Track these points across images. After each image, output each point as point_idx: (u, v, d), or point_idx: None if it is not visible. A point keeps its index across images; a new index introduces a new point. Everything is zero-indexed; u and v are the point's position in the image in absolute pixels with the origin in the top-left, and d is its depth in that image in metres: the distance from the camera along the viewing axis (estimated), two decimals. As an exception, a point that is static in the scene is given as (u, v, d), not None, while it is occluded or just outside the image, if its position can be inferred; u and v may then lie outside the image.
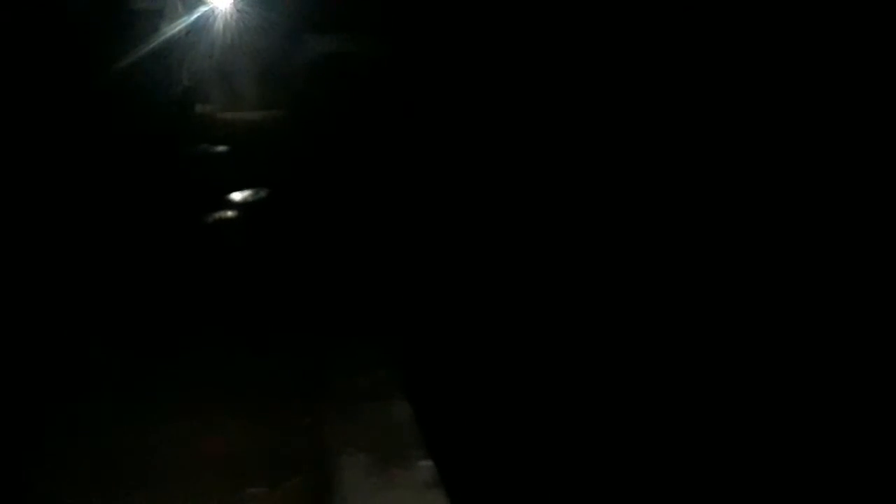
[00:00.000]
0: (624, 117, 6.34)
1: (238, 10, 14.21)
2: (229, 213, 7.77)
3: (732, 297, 4.48)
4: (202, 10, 13.76)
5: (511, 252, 5.60)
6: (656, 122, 6.13)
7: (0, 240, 5.60)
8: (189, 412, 3.68)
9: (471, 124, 8.35)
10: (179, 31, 12.69)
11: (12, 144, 6.63)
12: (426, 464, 2.95)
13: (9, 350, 4.24)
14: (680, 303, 4.57)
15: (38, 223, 6.16)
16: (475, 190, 6.89)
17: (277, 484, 3.14)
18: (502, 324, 4.65)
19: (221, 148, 11.06)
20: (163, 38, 11.65)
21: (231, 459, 3.31)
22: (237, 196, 8.34)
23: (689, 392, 3.83)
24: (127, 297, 5.20)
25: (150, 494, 3.09)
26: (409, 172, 7.90)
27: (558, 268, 5.28)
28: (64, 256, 5.77)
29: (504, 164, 7.13)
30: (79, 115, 7.98)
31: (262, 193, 8.39)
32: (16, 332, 4.46)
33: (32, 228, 6.04)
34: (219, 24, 14.20)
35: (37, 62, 7.55)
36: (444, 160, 7.79)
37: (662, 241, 5.11)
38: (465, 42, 9.28)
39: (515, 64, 8.06)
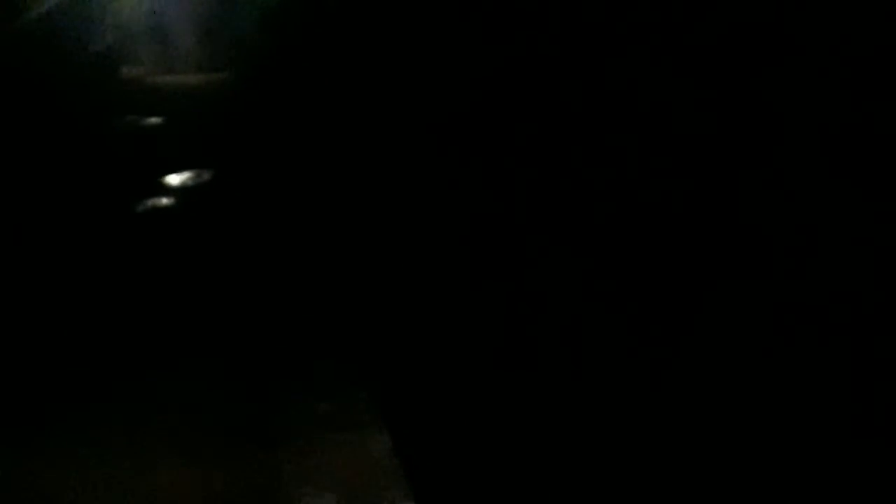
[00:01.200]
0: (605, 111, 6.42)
1: (173, -50, 14.19)
2: (164, 201, 7.78)
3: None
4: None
5: (499, 251, 5.65)
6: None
7: None
8: (125, 450, 3.71)
9: (452, 93, 8.38)
10: (100, -25, 12.67)
11: None
12: (408, 506, 2.99)
13: None
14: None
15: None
16: (452, 175, 6.93)
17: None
18: (494, 334, 4.69)
19: (154, 119, 11.06)
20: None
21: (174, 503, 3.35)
22: (174, 179, 8.35)
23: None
24: (41, 313, 5.21)
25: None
26: (385, 149, 7.92)
27: (547, 271, 5.34)
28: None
29: (480, 143, 7.17)
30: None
31: (206, 176, 8.40)
32: None
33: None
34: (150, -33, 14.17)
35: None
36: (423, 138, 7.82)
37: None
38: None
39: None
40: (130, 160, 9.00)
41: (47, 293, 5.49)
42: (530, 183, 6.42)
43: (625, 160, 6.25)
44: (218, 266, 5.93)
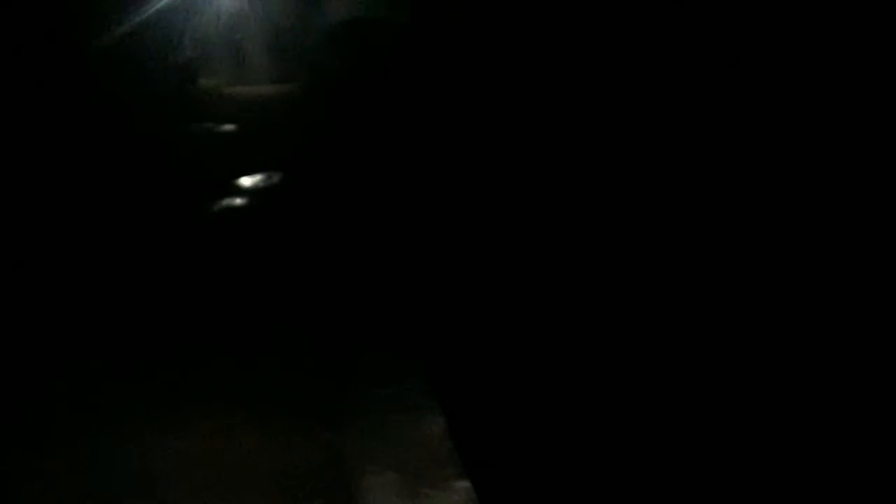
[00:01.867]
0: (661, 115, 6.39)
1: (248, -30, 14.32)
2: (238, 201, 7.85)
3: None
4: (207, -31, 13.89)
5: (543, 252, 5.64)
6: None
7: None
8: (199, 426, 3.75)
9: (499, 102, 8.38)
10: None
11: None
12: (462, 484, 2.99)
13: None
14: (695, 302, 4.64)
15: (27, 216, 6.28)
16: (507, 179, 6.93)
17: (294, 505, 3.20)
18: (541, 328, 4.69)
19: (229, 126, 11.15)
20: (162, 2, 11.78)
21: (245, 477, 3.38)
22: (247, 181, 8.42)
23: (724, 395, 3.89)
24: (129, 299, 5.30)
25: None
26: (438, 155, 7.94)
27: (596, 275, 5.32)
28: (58, 252, 5.89)
29: (534, 149, 7.16)
30: (67, 90, 8.10)
31: (275, 178, 8.46)
32: (12, 334, 4.60)
33: (20, 223, 6.16)
34: (225, -13, 14.32)
35: (14, 30, 7.67)
36: (476, 143, 7.83)
37: (675, 241, 5.19)
38: (494, 8, 9.31)
39: (546, 40, 8.08)
40: (207, 162, 9.11)
41: (133, 277, 5.60)
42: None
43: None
44: (287, 262, 5.98)
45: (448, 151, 7.91)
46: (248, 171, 8.61)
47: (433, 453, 3.22)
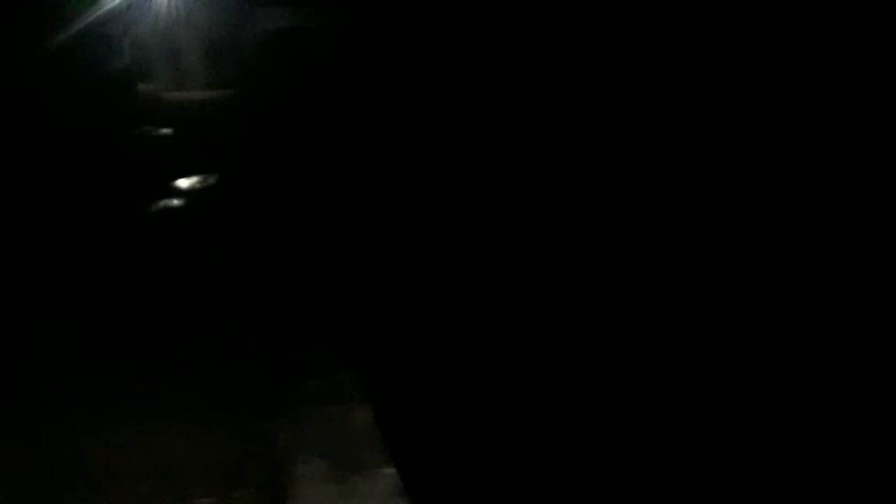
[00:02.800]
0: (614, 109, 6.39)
1: (184, -19, 14.09)
2: (175, 202, 7.70)
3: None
4: (145, -20, 13.63)
5: (475, 244, 5.62)
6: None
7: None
8: (133, 418, 3.66)
9: (433, 104, 8.35)
10: (120, 3, 12.55)
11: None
12: (389, 471, 2.95)
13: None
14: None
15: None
16: (436, 175, 6.90)
17: (228, 494, 3.12)
18: (466, 320, 4.67)
19: (166, 130, 10.96)
20: (102, 10, 11.52)
21: (178, 467, 3.30)
22: (183, 183, 8.27)
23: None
24: (63, 297, 5.15)
25: (93, 502, 3.08)
26: (367, 157, 7.89)
27: (534, 262, 5.31)
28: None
29: (464, 150, 7.14)
30: (6, 91, 7.87)
31: (211, 180, 8.33)
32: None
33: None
34: (163, -4, 14.07)
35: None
36: (406, 144, 7.79)
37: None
38: (423, 14, 9.28)
39: (478, 39, 8.07)
40: (144, 164, 8.93)
41: (68, 277, 5.45)
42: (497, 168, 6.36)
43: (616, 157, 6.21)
44: (220, 260, 5.88)
45: (380, 150, 7.85)
46: (185, 173, 8.46)
47: (361, 442, 3.17)
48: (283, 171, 8.13)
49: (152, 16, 14.20)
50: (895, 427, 3.55)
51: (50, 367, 4.19)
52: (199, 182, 8.30)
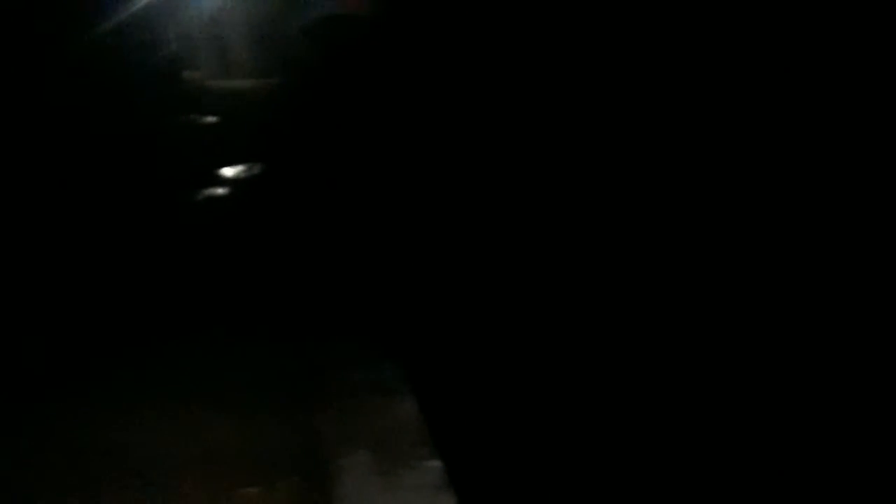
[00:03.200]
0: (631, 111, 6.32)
1: (229, -30, 14.16)
2: (220, 191, 7.74)
3: (733, 296, 4.48)
4: (191, -32, 13.72)
5: (518, 243, 5.57)
6: (656, 122, 6.13)
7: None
8: (176, 408, 3.67)
9: (478, 97, 8.29)
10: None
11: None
12: (434, 464, 2.93)
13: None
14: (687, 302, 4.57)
15: (19, 212, 6.13)
16: (481, 172, 6.84)
17: (272, 484, 3.12)
18: (510, 315, 4.62)
19: (211, 118, 11.02)
20: (148, -1, 11.59)
21: (221, 458, 3.29)
22: (228, 171, 8.30)
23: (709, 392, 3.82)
24: (110, 284, 5.18)
25: (137, 494, 3.08)
26: (412, 150, 7.85)
27: (565, 261, 5.26)
28: (47, 242, 5.75)
29: (508, 149, 7.08)
30: (55, 81, 7.94)
31: (256, 169, 8.35)
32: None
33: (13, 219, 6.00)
34: (209, -15, 14.15)
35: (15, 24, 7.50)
36: (449, 138, 7.74)
37: (664, 240, 5.12)
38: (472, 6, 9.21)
39: (520, 41, 8.00)
40: (191, 153, 8.98)
41: (116, 264, 5.48)
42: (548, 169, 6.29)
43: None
44: (266, 249, 5.89)
45: (419, 143, 7.81)
46: (230, 162, 8.49)
47: (406, 434, 3.14)
48: (327, 160, 8.12)
49: (197, 5, 14.28)
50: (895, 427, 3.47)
51: (91, 352, 4.21)
52: (243, 170, 8.32)
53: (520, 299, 4.78)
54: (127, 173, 7.59)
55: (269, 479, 3.14)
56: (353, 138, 8.63)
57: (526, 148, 6.80)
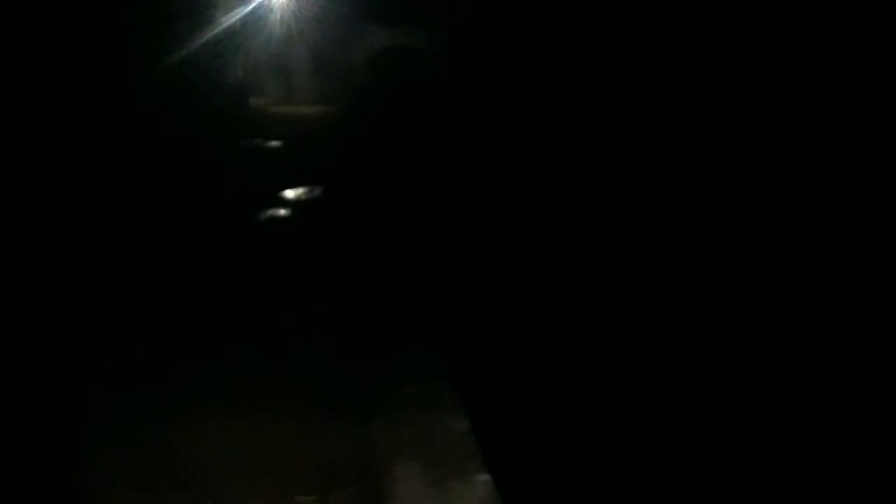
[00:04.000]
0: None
1: (296, 1, 14.40)
2: (282, 212, 7.87)
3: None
4: (259, 0, 13.97)
5: (571, 259, 5.59)
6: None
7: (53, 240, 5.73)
8: (237, 415, 3.75)
9: (532, 122, 8.34)
10: (234, 22, 12.88)
11: (64, 139, 6.79)
12: (483, 477, 2.97)
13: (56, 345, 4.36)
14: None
15: (95, 221, 6.31)
16: (538, 193, 6.88)
17: (328, 493, 3.18)
18: (561, 334, 4.65)
19: (275, 143, 11.19)
20: (218, 28, 11.84)
21: (279, 466, 3.37)
22: (290, 194, 8.44)
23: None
24: (177, 295, 5.31)
25: (198, 497, 3.16)
26: (471, 173, 7.92)
27: (628, 277, 5.26)
28: (115, 250, 5.91)
29: (563, 167, 7.11)
30: (130, 108, 8.16)
31: (317, 192, 8.47)
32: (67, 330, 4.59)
33: (91, 228, 6.18)
34: (276, 15, 14.41)
35: (90, 53, 7.74)
36: (507, 159, 7.80)
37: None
38: (527, 36, 9.29)
39: (575, 66, 8.04)
40: (255, 175, 9.14)
41: (181, 276, 5.62)
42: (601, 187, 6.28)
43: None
44: (325, 264, 5.98)
45: (477, 168, 7.88)
46: (292, 184, 8.63)
47: (457, 448, 3.20)
48: (386, 185, 8.22)
49: (265, 34, 14.54)
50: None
51: (164, 356, 4.32)
52: (305, 193, 8.46)
53: (570, 316, 4.79)
54: (197, 192, 7.76)
55: (325, 488, 3.21)
56: (411, 162, 8.73)
57: (574, 175, 6.82)
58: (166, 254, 6.10)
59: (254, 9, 13.73)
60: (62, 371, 4.08)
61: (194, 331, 4.75)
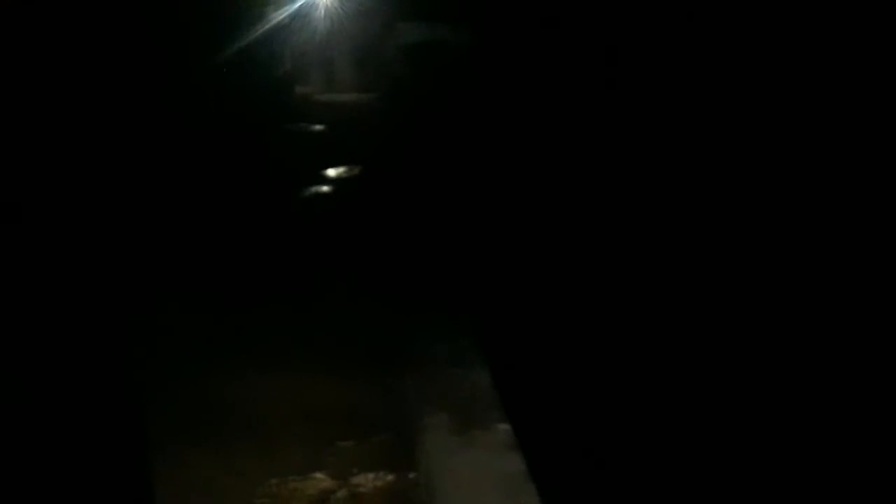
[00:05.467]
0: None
1: (338, 0, 14.34)
2: (324, 188, 7.87)
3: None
4: (305, -2, 13.93)
5: (583, 234, 5.53)
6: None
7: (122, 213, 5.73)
8: (282, 369, 3.75)
9: (550, 113, 8.26)
10: (284, 17, 12.84)
11: (140, 116, 6.79)
12: (504, 427, 2.95)
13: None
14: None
15: (156, 191, 6.31)
16: (553, 177, 6.81)
17: (365, 439, 3.18)
18: (576, 301, 4.61)
19: (319, 127, 11.18)
20: (269, 24, 11.80)
21: (322, 414, 3.37)
22: (332, 172, 8.44)
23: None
24: (232, 260, 5.32)
25: (251, 441, 3.17)
26: (492, 156, 7.86)
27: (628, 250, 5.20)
28: (179, 222, 5.92)
29: (583, 157, 7.02)
30: (195, 93, 8.17)
31: (356, 170, 8.46)
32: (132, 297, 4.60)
33: (151, 197, 6.18)
34: (320, 12, 14.35)
35: (163, 45, 7.74)
36: (527, 147, 7.73)
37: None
38: (551, 32, 9.17)
39: (601, 61, 7.91)
40: (301, 156, 9.14)
41: (237, 244, 5.63)
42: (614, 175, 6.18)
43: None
44: (362, 234, 5.97)
45: (499, 147, 7.82)
46: (334, 164, 8.63)
47: (480, 400, 3.17)
48: (419, 164, 8.19)
49: (310, 30, 14.47)
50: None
51: (211, 324, 4.31)
52: (345, 171, 8.46)
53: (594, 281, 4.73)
54: (250, 171, 7.77)
55: (362, 435, 3.20)
56: (441, 145, 8.68)
57: (604, 153, 6.72)
58: (226, 224, 6.12)
59: (300, 7, 13.68)
60: (136, 325, 4.08)
61: (244, 292, 4.76)
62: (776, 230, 4.74)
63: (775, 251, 4.57)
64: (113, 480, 2.79)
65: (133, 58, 6.99)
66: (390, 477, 2.95)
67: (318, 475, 2.95)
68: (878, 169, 4.32)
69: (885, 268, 4.06)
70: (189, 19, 8.35)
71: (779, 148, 5.19)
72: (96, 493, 2.73)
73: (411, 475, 2.95)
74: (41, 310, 3.87)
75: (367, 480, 2.94)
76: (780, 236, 4.60)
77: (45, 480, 2.73)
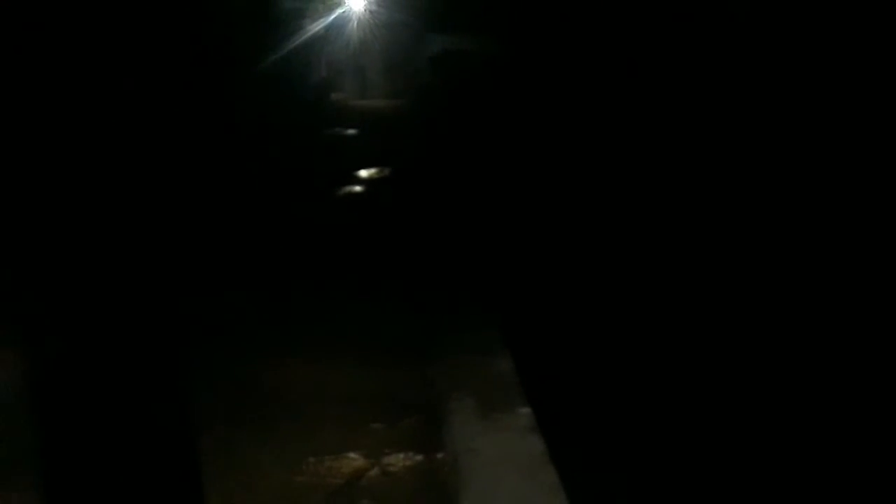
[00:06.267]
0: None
1: (370, 12, 14.38)
2: (357, 188, 7.90)
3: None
4: (339, 11, 13.97)
5: (601, 234, 5.51)
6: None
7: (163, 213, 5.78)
8: (320, 359, 3.77)
9: (572, 118, 8.23)
10: (319, 29, 12.90)
11: (186, 120, 6.85)
12: (526, 411, 2.95)
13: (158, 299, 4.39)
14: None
15: (205, 188, 6.37)
16: (572, 178, 6.79)
17: (396, 422, 3.19)
18: (596, 296, 4.59)
19: (352, 131, 11.23)
20: (306, 35, 11.87)
21: (355, 398, 3.38)
22: (364, 173, 8.48)
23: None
24: (269, 253, 5.36)
25: (289, 422, 3.19)
26: (515, 159, 7.85)
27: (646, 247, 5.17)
28: (221, 216, 5.98)
29: (599, 160, 6.98)
30: (236, 100, 8.24)
31: (386, 171, 8.49)
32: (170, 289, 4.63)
33: (197, 193, 6.24)
34: (353, 24, 14.40)
35: (204, 57, 7.81)
36: (548, 150, 7.71)
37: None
38: (571, 43, 9.14)
39: (617, 70, 7.87)
40: (335, 158, 9.19)
41: (275, 237, 5.67)
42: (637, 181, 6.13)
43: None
44: (390, 233, 5.99)
45: (521, 151, 7.81)
46: (366, 165, 8.66)
47: (503, 387, 3.17)
48: (445, 167, 8.20)
49: (344, 40, 14.53)
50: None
51: (255, 315, 4.34)
52: (376, 172, 8.50)
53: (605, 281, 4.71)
54: (288, 171, 7.83)
55: (393, 417, 3.22)
56: (467, 148, 8.69)
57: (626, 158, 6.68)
58: (264, 222, 6.17)
59: (335, 19, 13.75)
60: (186, 308, 4.10)
61: (282, 284, 4.79)
62: (792, 233, 4.68)
63: (788, 252, 4.52)
64: (164, 456, 2.83)
65: (192, 68, 7.07)
66: (419, 457, 2.96)
67: (352, 455, 2.96)
68: (877, 169, 4.25)
69: (884, 268, 4.00)
70: (234, 32, 8.42)
71: (795, 154, 5.13)
72: (148, 466, 2.76)
73: (439, 455, 2.95)
74: (109, 290, 3.88)
75: (397, 460, 2.95)
76: (795, 238, 4.53)
77: (99, 453, 2.76)
